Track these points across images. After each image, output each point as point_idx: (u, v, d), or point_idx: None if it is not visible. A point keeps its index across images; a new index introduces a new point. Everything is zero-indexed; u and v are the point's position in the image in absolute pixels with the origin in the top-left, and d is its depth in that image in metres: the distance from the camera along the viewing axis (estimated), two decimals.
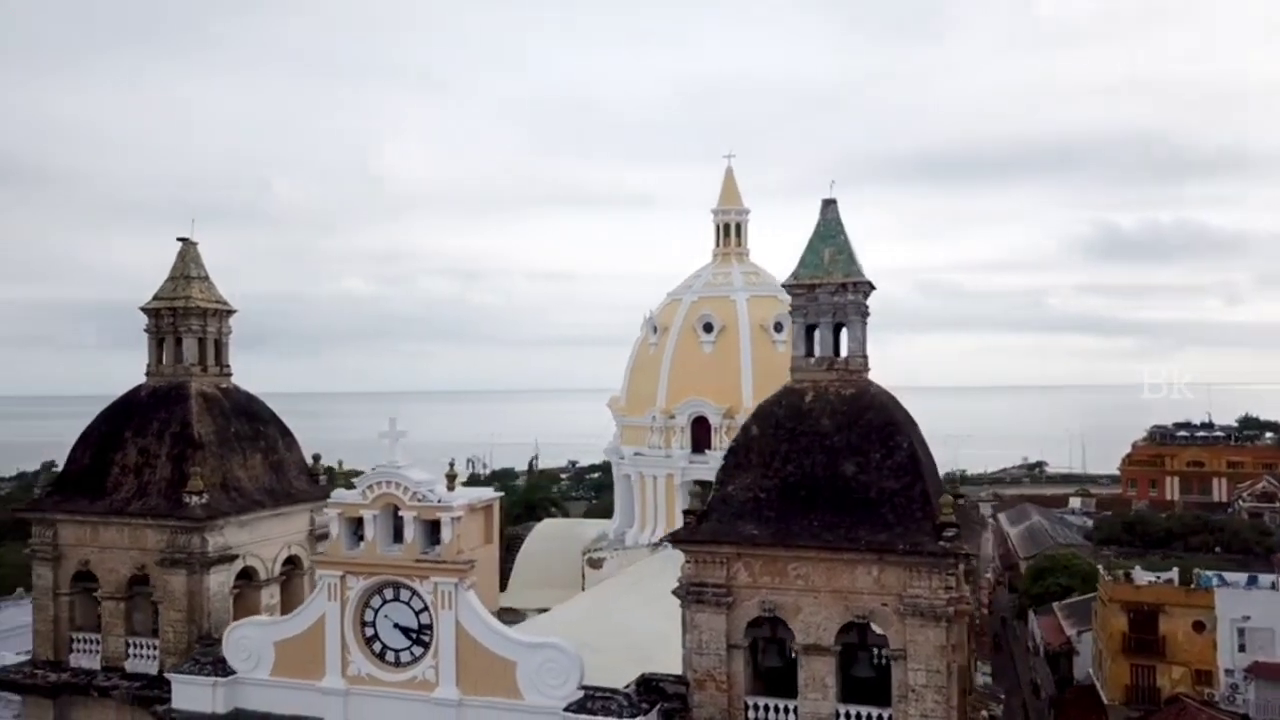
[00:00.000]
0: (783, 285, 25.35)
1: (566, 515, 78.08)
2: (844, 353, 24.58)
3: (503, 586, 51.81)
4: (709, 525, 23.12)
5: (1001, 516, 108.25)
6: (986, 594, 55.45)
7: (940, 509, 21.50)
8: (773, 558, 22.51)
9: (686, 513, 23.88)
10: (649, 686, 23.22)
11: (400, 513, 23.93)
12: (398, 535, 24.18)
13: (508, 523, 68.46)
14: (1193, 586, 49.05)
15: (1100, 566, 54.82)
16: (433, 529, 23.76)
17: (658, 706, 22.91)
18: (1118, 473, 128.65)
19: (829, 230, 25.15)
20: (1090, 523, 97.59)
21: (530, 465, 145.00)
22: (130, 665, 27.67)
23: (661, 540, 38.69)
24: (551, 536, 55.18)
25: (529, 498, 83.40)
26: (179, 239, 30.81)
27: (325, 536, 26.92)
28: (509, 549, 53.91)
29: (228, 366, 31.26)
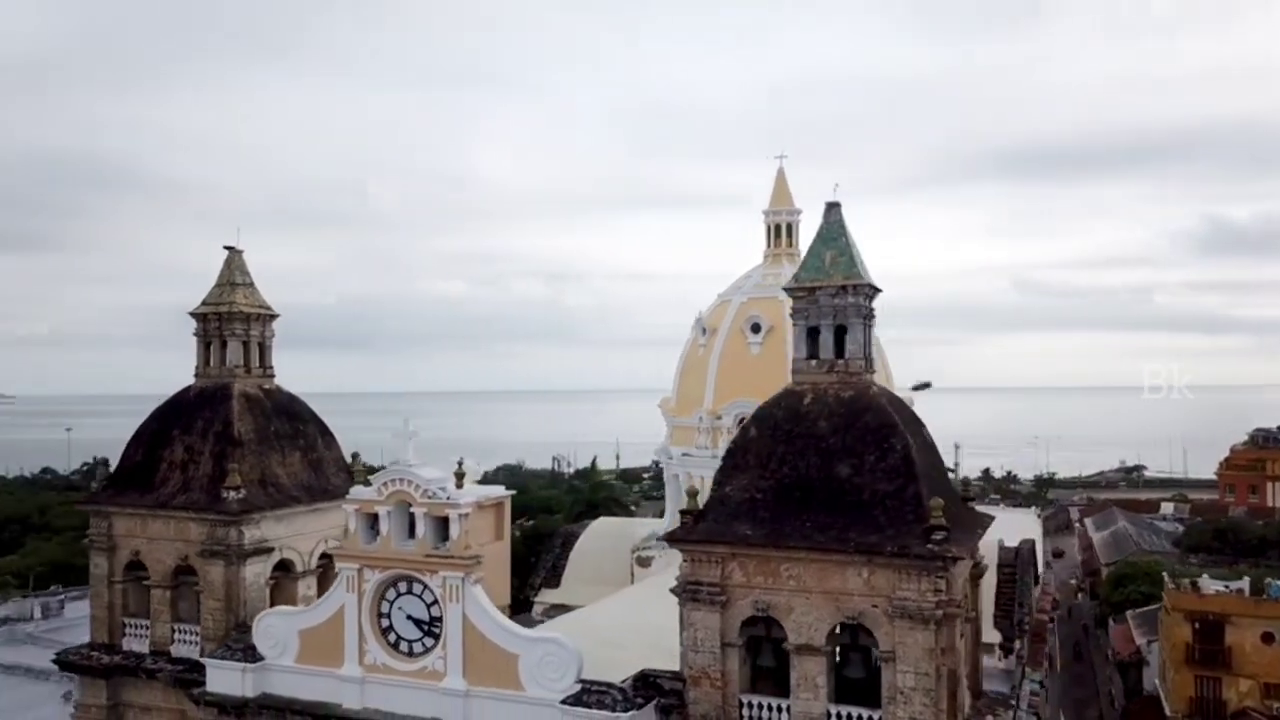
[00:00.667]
0: (784, 289, 25.59)
1: (630, 514, 79.00)
2: (846, 355, 24.67)
3: (556, 583, 52.91)
4: (705, 525, 23.51)
5: (1088, 521, 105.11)
6: (1049, 600, 54.33)
7: (930, 511, 21.48)
8: (766, 558, 22.78)
9: (683, 513, 24.32)
10: (647, 682, 23.72)
11: (412, 509, 24.93)
12: (412, 531, 25.17)
13: (570, 520, 69.76)
14: (1264, 597, 47.19)
15: (1165, 574, 53.07)
16: (443, 525, 24.69)
17: (654, 702, 23.42)
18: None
19: (831, 233, 25.29)
20: (1181, 529, 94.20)
21: (592, 464, 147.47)
22: (175, 649, 29.40)
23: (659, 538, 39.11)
24: (604, 535, 55.84)
25: (591, 497, 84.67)
26: (225, 247, 32.53)
27: None
28: (564, 546, 54.94)
29: (271, 368, 32.83)
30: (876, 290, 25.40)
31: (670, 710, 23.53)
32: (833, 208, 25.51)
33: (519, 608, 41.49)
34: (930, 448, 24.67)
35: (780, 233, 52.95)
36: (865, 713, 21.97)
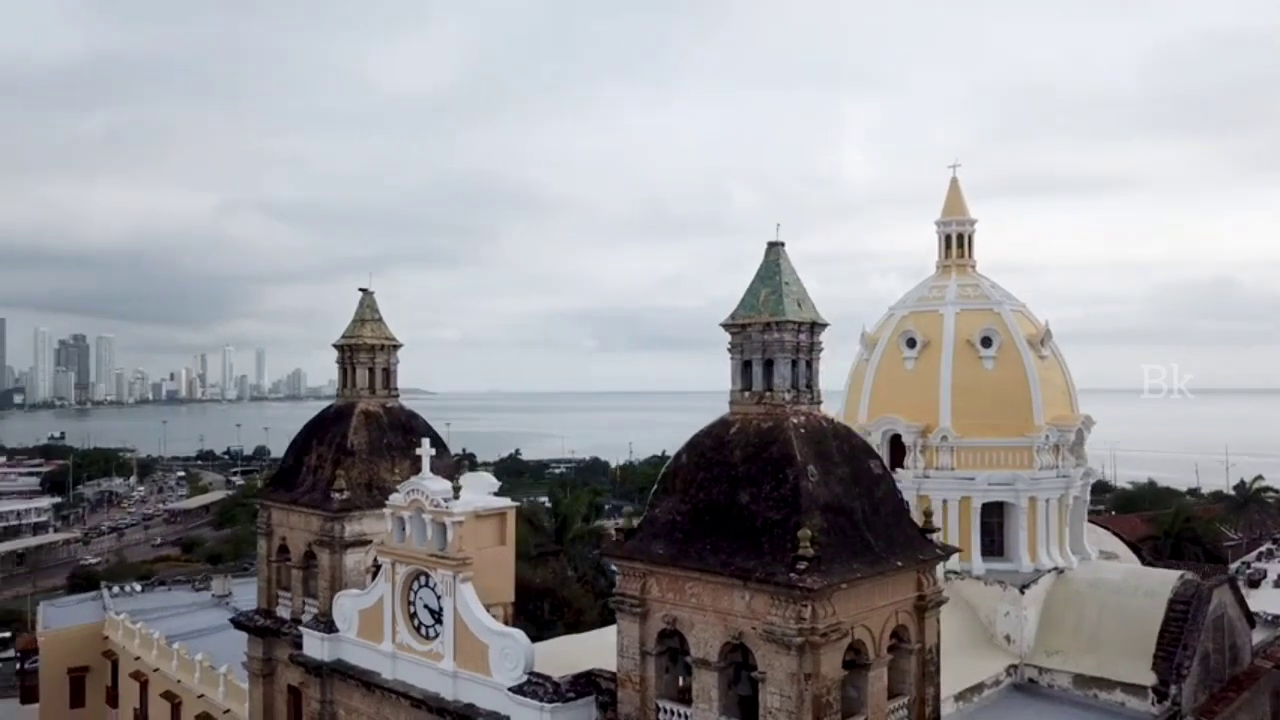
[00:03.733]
0: (721, 325, 26.95)
1: None
2: (773, 388, 25.77)
3: None
4: (630, 543, 25.90)
5: None
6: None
7: (800, 542, 22.45)
8: (674, 576, 24.76)
9: (617, 530, 26.80)
10: (588, 680, 26.60)
11: (423, 515, 29.67)
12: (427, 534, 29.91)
13: None
14: None
15: None
16: (444, 530, 29.16)
17: (591, 697, 26.26)
18: None
19: (768, 272, 26.43)
20: None
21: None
22: (304, 618, 36.47)
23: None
24: None
25: None
26: (359, 289, 39.35)
27: None
28: None
29: (394, 389, 39.18)
30: (817, 325, 26.17)
31: (607, 707, 26.24)
32: (773, 247, 26.62)
33: None
34: (855, 479, 25.09)
35: (952, 243, 51.69)
36: None
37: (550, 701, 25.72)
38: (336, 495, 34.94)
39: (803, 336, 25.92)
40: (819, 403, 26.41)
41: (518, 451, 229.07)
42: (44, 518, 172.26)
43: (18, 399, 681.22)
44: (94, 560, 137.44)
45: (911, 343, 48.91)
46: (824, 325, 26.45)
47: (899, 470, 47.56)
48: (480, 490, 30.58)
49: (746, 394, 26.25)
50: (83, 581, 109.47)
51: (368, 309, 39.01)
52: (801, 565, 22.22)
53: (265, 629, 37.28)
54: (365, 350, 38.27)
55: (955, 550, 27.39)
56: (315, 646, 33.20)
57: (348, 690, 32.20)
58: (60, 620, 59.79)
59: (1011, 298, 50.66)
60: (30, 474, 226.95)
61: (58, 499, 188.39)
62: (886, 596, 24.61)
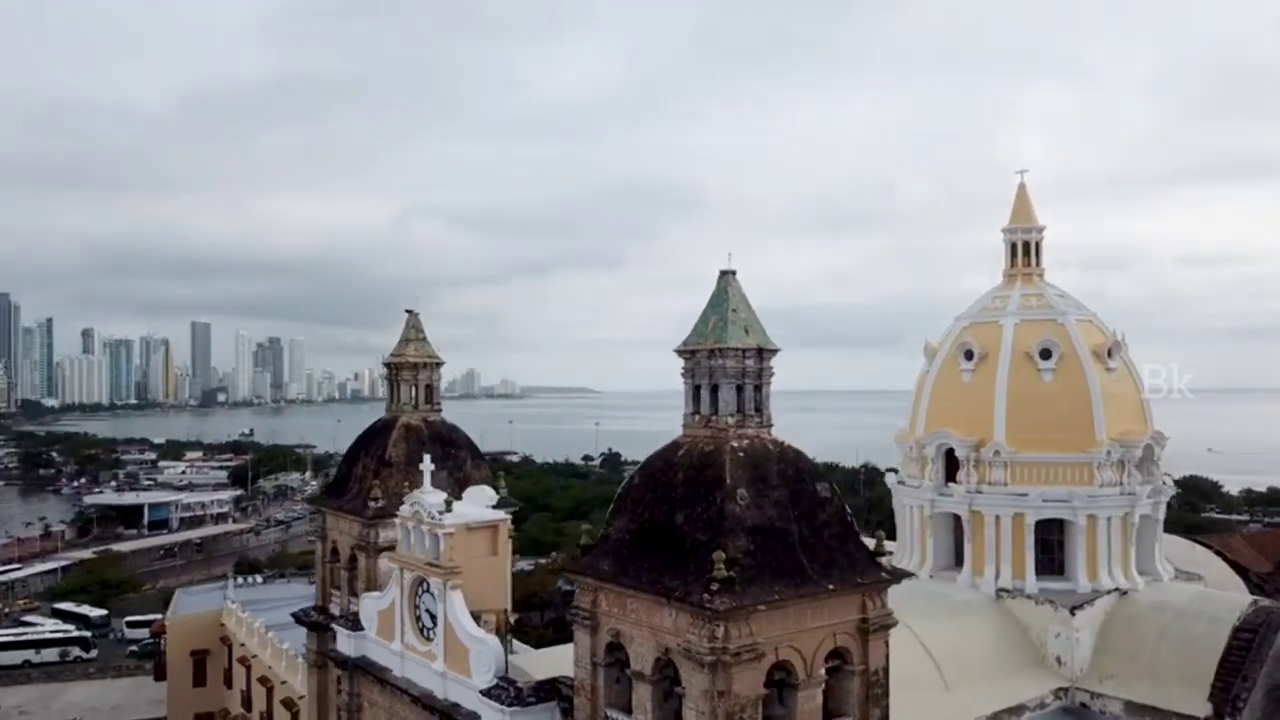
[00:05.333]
0: (674, 350, 27.80)
1: None
2: (718, 411, 26.56)
3: None
4: (585, 559, 27.27)
5: None
6: None
7: (714, 563, 23.30)
8: (618, 592, 25.99)
9: (577, 545, 28.19)
10: (552, 687, 28.17)
11: (421, 526, 31.97)
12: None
13: None
14: None
15: None
16: (437, 540, 31.36)
17: (553, 703, 27.83)
18: None
19: (718, 300, 27.23)
20: None
21: None
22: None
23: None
24: None
25: None
26: (406, 310, 42.21)
27: None
28: None
29: (437, 404, 41.84)
30: (765, 351, 26.76)
31: (567, 713, 27.74)
32: (723, 275, 27.40)
33: None
34: (794, 501, 25.56)
35: (1018, 252, 50.32)
36: None
37: (511, 705, 27.47)
38: (372, 503, 37.79)
39: (749, 362, 26.60)
40: (769, 425, 27.02)
41: None
42: (225, 509, 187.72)
43: (221, 398, 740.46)
44: (261, 550, 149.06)
45: (969, 355, 48.10)
46: (773, 351, 27.05)
47: (951, 485, 46.90)
48: (479, 503, 32.64)
49: (696, 417, 27.17)
50: (247, 569, 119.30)
51: (412, 329, 41.82)
52: (714, 586, 23.07)
53: (317, 624, 40.65)
54: (409, 368, 41.06)
55: (907, 575, 27.42)
56: (345, 643, 36.17)
57: (369, 684, 34.97)
58: (188, 606, 66.07)
59: (1081, 307, 48.94)
60: (220, 468, 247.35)
61: (239, 492, 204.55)
62: (821, 619, 25.05)
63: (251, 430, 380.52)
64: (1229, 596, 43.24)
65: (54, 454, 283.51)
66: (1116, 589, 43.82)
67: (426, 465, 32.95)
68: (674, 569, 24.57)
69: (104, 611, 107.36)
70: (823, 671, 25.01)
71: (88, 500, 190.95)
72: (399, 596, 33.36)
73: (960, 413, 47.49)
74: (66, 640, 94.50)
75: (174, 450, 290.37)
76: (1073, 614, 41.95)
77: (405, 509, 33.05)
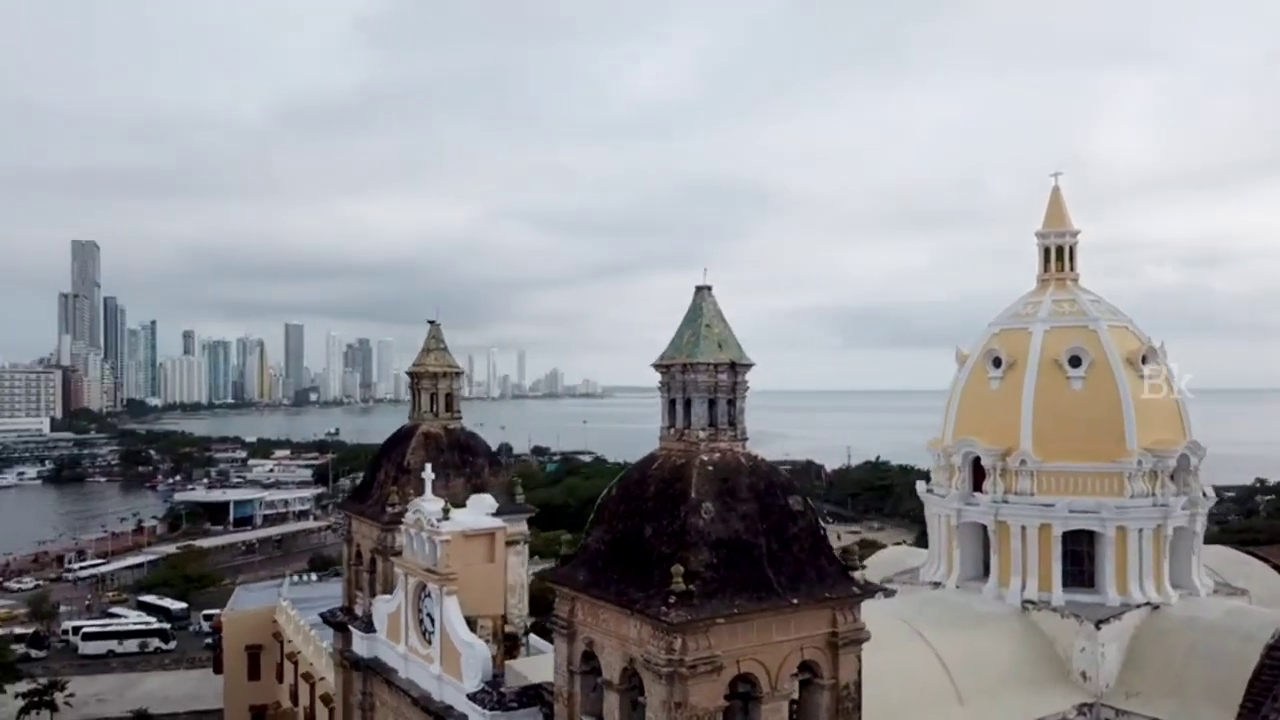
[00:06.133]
0: (652, 365, 28.14)
1: None
2: (691, 425, 26.88)
3: None
4: (563, 569, 27.88)
5: None
6: None
7: (673, 577, 23.68)
8: (590, 602, 26.53)
9: (557, 555, 28.79)
10: (535, 692, 28.87)
11: (422, 533, 33.00)
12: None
13: None
14: None
15: None
16: (434, 547, 32.35)
17: (535, 708, 28.53)
18: None
19: (693, 315, 27.52)
20: None
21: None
22: None
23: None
24: (890, 562, 56.33)
25: None
26: (428, 321, 43.44)
27: (515, 543, 36.86)
28: None
29: (456, 412, 42.91)
30: (738, 365, 26.98)
31: (549, 718, 28.41)
32: (699, 291, 27.66)
33: None
34: (763, 515, 25.74)
35: (1052, 256, 49.34)
36: None
37: (493, 709, 28.28)
38: (389, 509, 39.00)
39: (721, 376, 26.87)
40: (743, 439, 27.25)
41: None
42: (306, 506, 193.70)
43: (313, 397, 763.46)
44: (334, 548, 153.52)
45: (997, 362, 47.43)
46: (747, 365, 27.25)
47: (977, 494, 46.23)
48: (479, 512, 33.52)
49: (671, 431, 27.55)
50: (320, 566, 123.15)
51: (433, 339, 43.01)
52: (671, 599, 23.46)
53: (342, 624, 42.10)
54: (429, 377, 42.24)
55: (878, 589, 27.30)
56: (359, 643, 37.49)
57: (379, 685, 36.22)
58: (246, 603, 68.76)
59: (1116, 313, 47.78)
60: (305, 466, 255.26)
61: (321, 490, 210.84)
62: (787, 632, 25.21)
63: (337, 430, 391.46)
64: (1265, 613, 41.72)
65: (152, 452, 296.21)
66: (1147, 603, 42.72)
67: (428, 474, 33.99)
68: (640, 581, 25.01)
69: (184, 605, 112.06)
70: (789, 685, 25.19)
71: (178, 497, 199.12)
72: (404, 600, 34.47)
73: (987, 421, 46.80)
74: (147, 632, 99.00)
75: (264, 449, 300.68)
76: (1098, 628, 41.05)
77: (409, 516, 34.12)
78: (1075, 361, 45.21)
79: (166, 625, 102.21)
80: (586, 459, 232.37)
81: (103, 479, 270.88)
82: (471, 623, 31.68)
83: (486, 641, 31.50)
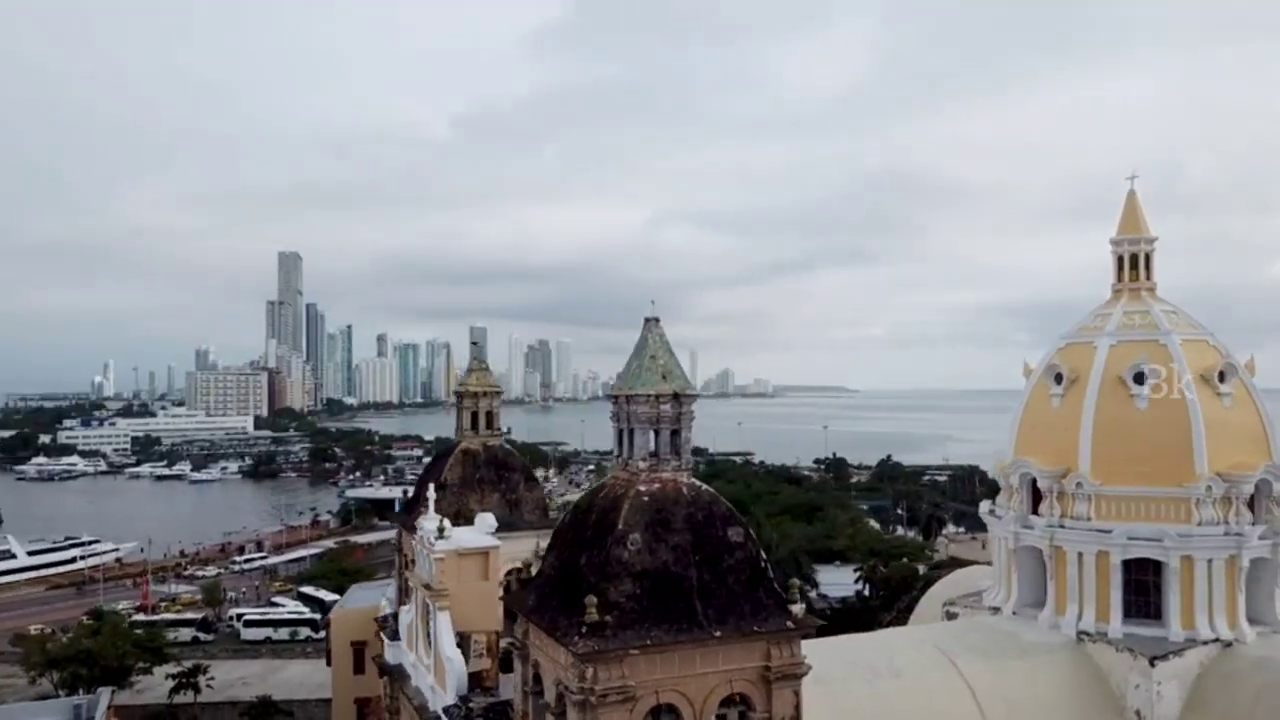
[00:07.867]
0: (604, 395, 28.53)
1: None
2: (634, 454, 27.22)
3: (904, 621, 54.80)
4: (519, 591, 28.83)
5: None
6: None
7: (587, 608, 24.22)
8: (535, 626, 27.37)
9: (519, 579, 29.73)
10: (502, 709, 29.96)
11: (424, 550, 34.73)
12: None
13: None
14: None
15: None
16: (431, 565, 34.01)
17: None
18: None
19: (640, 346, 27.82)
20: None
21: None
22: None
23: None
24: (960, 583, 54.22)
25: None
26: (471, 342, 45.59)
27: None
28: (923, 589, 55.69)
29: (497, 429, 44.60)
30: (682, 396, 27.11)
31: None
32: (647, 322, 27.94)
33: None
34: (697, 547, 25.80)
35: (1126, 265, 46.33)
36: None
37: None
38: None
39: (664, 407, 27.11)
40: (687, 469, 27.39)
41: (888, 457, 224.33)
42: None
43: None
44: None
45: (1058, 378, 45.14)
46: (692, 396, 27.38)
47: (1033, 518, 44.00)
48: (479, 530, 34.95)
49: (619, 460, 28.02)
50: None
51: (475, 360, 44.94)
52: (583, 629, 24.02)
53: (388, 630, 44.63)
54: (470, 396, 44.14)
55: (813, 625, 26.68)
56: (389, 649, 39.70)
57: (399, 689, 38.25)
58: (357, 600, 72.96)
59: (1193, 325, 44.52)
60: None
61: None
62: (713, 664, 25.23)
63: (509, 429, 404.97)
64: None
65: (337, 449, 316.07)
66: (1216, 639, 39.60)
67: (430, 493, 35.68)
68: (569, 609, 25.65)
69: (337, 596, 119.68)
70: (715, 717, 25.21)
71: (349, 493, 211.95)
72: (415, 612, 36.35)
73: (1046, 441, 44.47)
74: (299, 621, 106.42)
75: (440, 447, 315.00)
76: (1152, 664, 38.45)
77: (418, 533, 35.93)
78: (1139, 378, 42.33)
79: (317, 616, 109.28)
80: (737, 460, 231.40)
81: (293, 474, 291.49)
82: (465, 638, 33.06)
83: (480, 656, 32.81)
